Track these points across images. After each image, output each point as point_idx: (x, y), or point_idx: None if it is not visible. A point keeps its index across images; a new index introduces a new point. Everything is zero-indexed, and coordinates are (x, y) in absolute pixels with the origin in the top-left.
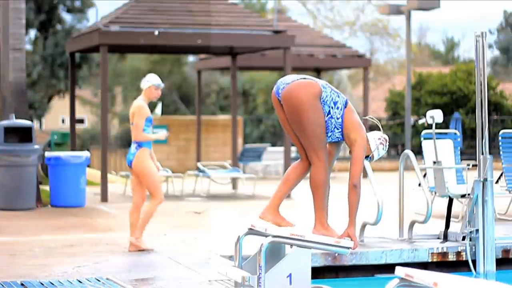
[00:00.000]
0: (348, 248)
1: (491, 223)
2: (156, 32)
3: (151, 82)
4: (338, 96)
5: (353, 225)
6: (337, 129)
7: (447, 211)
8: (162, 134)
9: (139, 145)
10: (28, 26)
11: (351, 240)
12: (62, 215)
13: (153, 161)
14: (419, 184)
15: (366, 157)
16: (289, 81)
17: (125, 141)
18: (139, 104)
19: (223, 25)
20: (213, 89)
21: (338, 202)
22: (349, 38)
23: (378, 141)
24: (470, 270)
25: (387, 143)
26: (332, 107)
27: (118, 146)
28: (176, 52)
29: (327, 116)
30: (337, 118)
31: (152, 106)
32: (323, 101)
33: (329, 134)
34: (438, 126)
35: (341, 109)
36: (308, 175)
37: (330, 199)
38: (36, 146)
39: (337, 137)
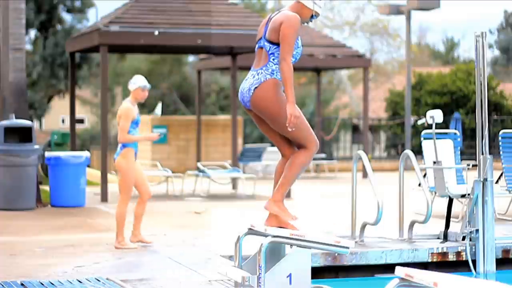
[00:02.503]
0: (348, 248)
1: (491, 223)
2: (156, 32)
3: (138, 84)
4: (276, 56)
5: (292, 102)
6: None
7: (447, 211)
8: (152, 135)
9: (123, 145)
10: (28, 26)
11: (291, 117)
12: (62, 215)
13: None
14: (419, 184)
15: (311, 17)
16: (247, 95)
17: None
18: (126, 106)
19: (223, 25)
20: (213, 89)
21: (337, 202)
22: (349, 38)
23: None
24: (470, 270)
25: None
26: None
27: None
28: (176, 52)
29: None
30: (277, 54)
31: (152, 106)
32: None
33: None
34: (438, 126)
35: (277, 54)
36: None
37: (329, 198)
38: (36, 146)
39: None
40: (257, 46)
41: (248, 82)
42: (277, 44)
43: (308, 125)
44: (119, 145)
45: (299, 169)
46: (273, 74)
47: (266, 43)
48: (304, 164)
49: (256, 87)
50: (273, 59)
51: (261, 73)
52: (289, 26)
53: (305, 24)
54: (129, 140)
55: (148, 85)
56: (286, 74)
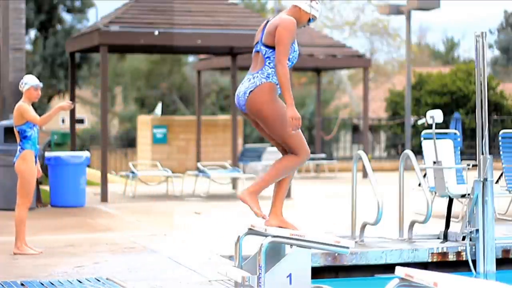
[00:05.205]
0: (348, 248)
1: (491, 223)
2: (156, 32)
3: (30, 83)
4: (272, 60)
5: (291, 105)
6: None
7: (447, 211)
8: (62, 103)
9: (23, 148)
10: (28, 26)
11: (292, 119)
12: (62, 215)
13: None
14: (419, 184)
15: (309, 20)
16: (243, 99)
17: (125, 141)
18: (22, 104)
19: (223, 25)
20: (213, 89)
21: (337, 202)
22: (349, 38)
23: (307, 1)
24: (470, 270)
25: None
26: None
27: (118, 146)
28: (176, 52)
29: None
30: (273, 58)
31: (152, 106)
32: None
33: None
34: (438, 126)
35: (273, 57)
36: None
37: (329, 198)
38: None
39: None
40: (254, 50)
41: (243, 86)
42: (273, 48)
43: (302, 134)
44: (18, 148)
45: (284, 170)
46: (268, 77)
47: (262, 47)
48: (290, 168)
49: (251, 91)
50: (269, 63)
51: (257, 76)
52: (284, 29)
53: (303, 27)
54: (46, 118)
55: (40, 84)
56: (282, 77)
